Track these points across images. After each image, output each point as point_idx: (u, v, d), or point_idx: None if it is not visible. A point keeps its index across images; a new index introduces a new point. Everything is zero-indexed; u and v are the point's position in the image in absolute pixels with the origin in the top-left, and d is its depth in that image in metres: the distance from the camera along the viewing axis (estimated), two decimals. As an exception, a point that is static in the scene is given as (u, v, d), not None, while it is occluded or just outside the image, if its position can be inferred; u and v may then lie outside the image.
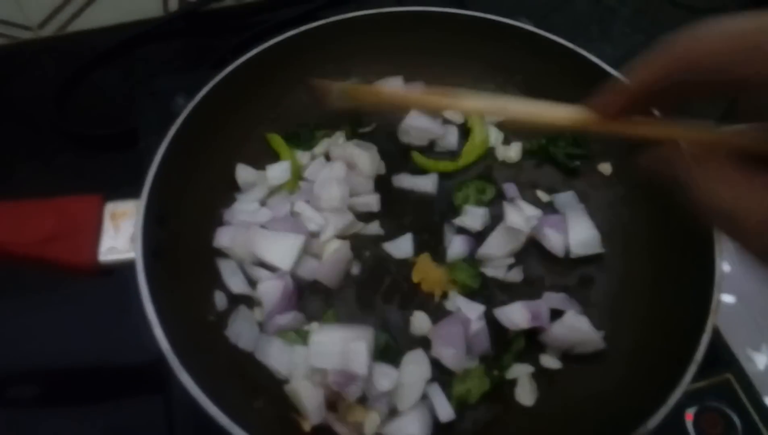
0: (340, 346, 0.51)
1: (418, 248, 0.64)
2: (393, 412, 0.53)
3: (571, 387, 0.57)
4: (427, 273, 0.62)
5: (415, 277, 0.62)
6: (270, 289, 0.57)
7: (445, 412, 0.54)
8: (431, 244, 0.64)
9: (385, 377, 0.52)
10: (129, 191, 0.54)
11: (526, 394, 0.56)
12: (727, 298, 0.68)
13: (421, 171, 0.69)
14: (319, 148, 0.70)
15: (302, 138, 0.70)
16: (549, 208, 0.67)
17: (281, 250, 0.59)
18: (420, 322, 0.59)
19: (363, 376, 0.50)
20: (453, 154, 0.71)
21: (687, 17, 0.94)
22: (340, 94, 0.55)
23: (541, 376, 0.57)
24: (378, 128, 0.72)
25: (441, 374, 0.56)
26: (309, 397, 0.51)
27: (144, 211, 0.53)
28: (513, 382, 0.57)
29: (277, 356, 0.55)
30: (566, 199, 0.67)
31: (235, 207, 0.64)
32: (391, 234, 0.65)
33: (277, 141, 0.69)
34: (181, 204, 0.59)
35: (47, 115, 0.80)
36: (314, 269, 0.60)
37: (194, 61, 0.86)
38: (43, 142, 0.79)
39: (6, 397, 0.62)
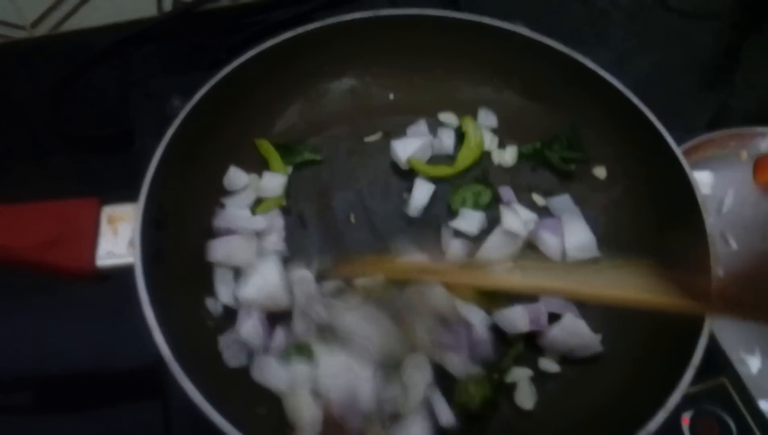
0: (345, 377, 0.51)
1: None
2: (394, 417, 0.53)
3: (571, 390, 0.57)
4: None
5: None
6: (251, 329, 0.55)
7: (446, 416, 0.54)
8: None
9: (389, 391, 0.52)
10: (125, 194, 0.54)
11: (525, 398, 0.56)
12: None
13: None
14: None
15: (292, 150, 0.69)
16: (545, 212, 0.67)
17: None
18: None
19: (368, 412, 0.50)
20: (449, 159, 0.70)
21: (680, 22, 0.95)
22: (371, 269, 0.55)
23: (540, 379, 0.58)
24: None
25: (442, 379, 0.56)
26: (307, 416, 0.51)
27: (142, 215, 0.52)
28: (512, 386, 0.57)
29: (276, 373, 0.54)
30: (562, 202, 0.67)
31: (225, 213, 0.63)
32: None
33: (265, 147, 0.68)
34: (178, 207, 0.58)
35: (41, 116, 0.79)
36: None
37: (189, 62, 0.86)
38: (37, 143, 0.78)
39: (3, 402, 0.62)
